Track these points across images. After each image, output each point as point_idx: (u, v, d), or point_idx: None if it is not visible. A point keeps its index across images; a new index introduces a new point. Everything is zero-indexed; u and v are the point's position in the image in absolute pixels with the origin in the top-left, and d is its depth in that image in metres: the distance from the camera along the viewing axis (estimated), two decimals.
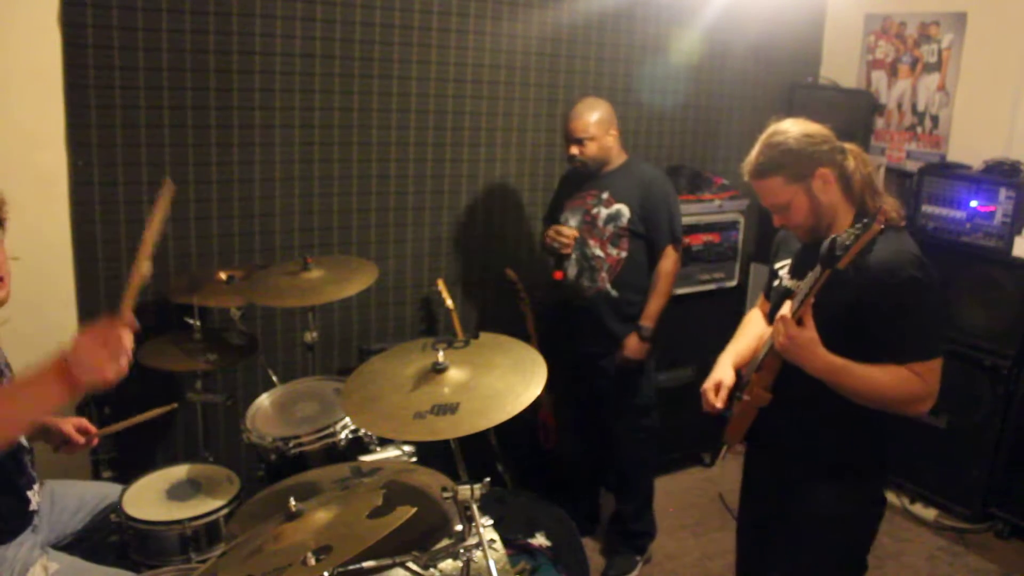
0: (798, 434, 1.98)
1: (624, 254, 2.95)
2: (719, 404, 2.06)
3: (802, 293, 1.76)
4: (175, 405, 2.49)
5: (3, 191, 1.88)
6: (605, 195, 2.96)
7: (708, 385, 2.10)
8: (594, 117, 2.89)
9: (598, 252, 2.95)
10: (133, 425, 2.35)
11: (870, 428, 1.93)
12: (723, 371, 2.11)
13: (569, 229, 3.01)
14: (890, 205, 1.89)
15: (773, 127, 1.91)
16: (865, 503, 2.01)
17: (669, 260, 2.96)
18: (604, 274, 2.96)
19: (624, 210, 2.93)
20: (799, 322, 1.77)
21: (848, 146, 1.92)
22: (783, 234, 2.15)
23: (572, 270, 3.01)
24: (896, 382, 1.76)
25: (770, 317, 2.07)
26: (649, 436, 3.18)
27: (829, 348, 1.76)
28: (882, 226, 1.62)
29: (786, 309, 1.81)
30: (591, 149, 2.90)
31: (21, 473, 1.96)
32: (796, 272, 2.01)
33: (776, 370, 1.94)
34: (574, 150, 2.92)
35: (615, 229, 2.93)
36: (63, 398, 1.47)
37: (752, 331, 2.21)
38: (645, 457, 3.22)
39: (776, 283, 2.09)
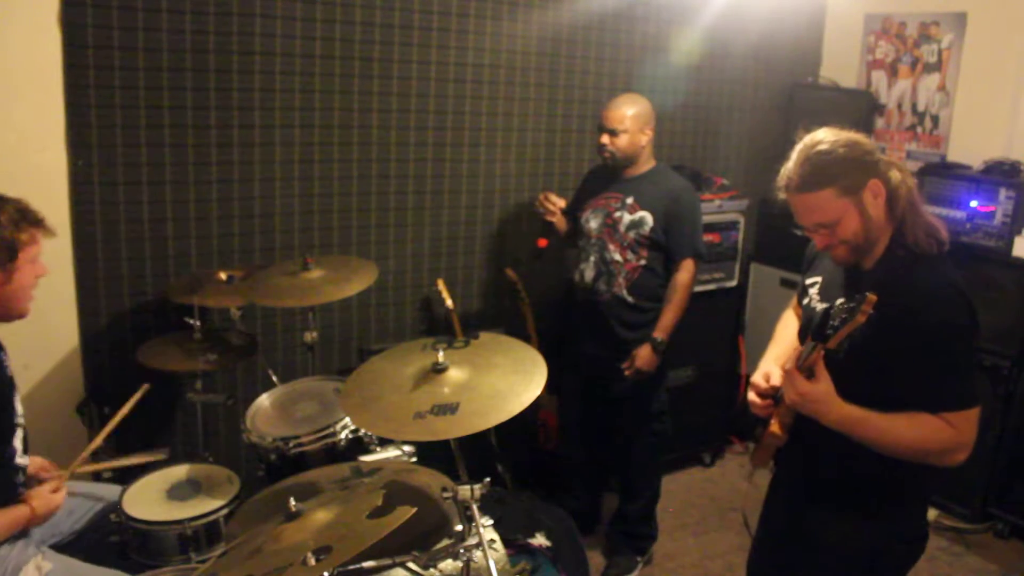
0: (823, 465, 1.84)
1: (643, 262, 2.93)
2: (763, 403, 1.88)
3: (804, 354, 1.64)
4: (162, 456, 2.47)
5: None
6: (630, 200, 2.93)
7: (756, 378, 1.92)
8: (631, 111, 2.86)
9: (617, 257, 2.94)
10: (118, 467, 2.37)
11: (902, 460, 1.75)
12: (769, 366, 1.93)
13: (557, 198, 3.05)
14: (924, 227, 1.70)
15: (811, 136, 1.73)
16: (896, 538, 1.83)
17: (687, 273, 2.92)
18: (621, 280, 2.94)
19: (648, 218, 2.90)
20: (810, 373, 1.63)
21: (891, 158, 1.76)
22: (815, 246, 1.95)
23: (590, 273, 2.99)
24: (924, 433, 1.61)
25: (801, 337, 1.95)
26: (660, 440, 3.18)
27: (852, 390, 1.63)
28: (867, 316, 1.46)
29: (791, 362, 1.69)
30: (622, 142, 2.87)
31: (12, 490, 1.99)
32: (826, 294, 1.86)
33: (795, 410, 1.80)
34: (605, 139, 2.89)
35: (636, 236, 2.91)
36: (20, 526, 1.99)
37: (788, 335, 2.07)
38: (654, 460, 3.22)
39: (806, 301, 1.93)
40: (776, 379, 1.87)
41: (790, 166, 1.72)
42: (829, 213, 1.68)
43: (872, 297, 1.46)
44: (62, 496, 2.08)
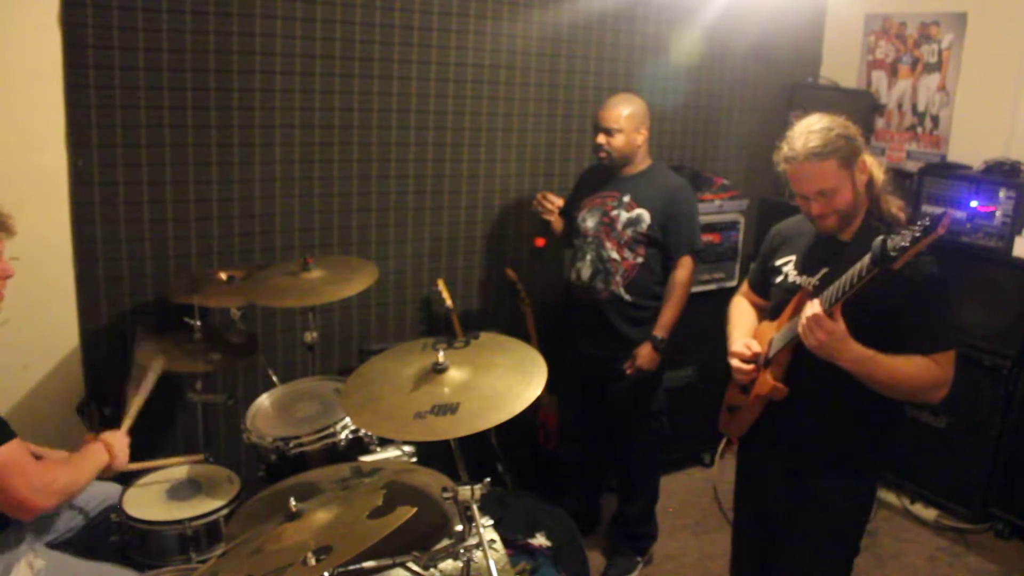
0: (807, 430, 2.00)
1: (640, 260, 2.93)
2: (748, 368, 2.06)
3: (839, 289, 1.78)
4: (202, 457, 2.51)
5: (5, 201, 1.99)
6: (627, 198, 2.94)
7: (737, 348, 2.09)
8: (627, 111, 2.87)
9: (614, 255, 2.94)
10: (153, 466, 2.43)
11: (878, 423, 1.98)
12: (745, 339, 2.11)
13: (556, 197, 3.08)
14: (896, 204, 1.96)
15: (806, 119, 1.93)
16: (866, 496, 2.08)
17: (685, 270, 2.93)
18: (618, 278, 2.94)
19: (645, 216, 2.90)
20: (830, 316, 1.79)
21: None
22: (782, 231, 2.18)
23: (587, 271, 3.00)
24: (920, 371, 1.84)
25: (773, 313, 2.09)
26: (658, 439, 3.18)
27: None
28: (945, 230, 1.64)
29: (816, 307, 1.81)
30: (618, 141, 2.88)
31: None
32: (805, 268, 2.02)
33: (786, 365, 1.96)
34: (601, 139, 2.90)
35: (633, 234, 2.91)
36: (102, 470, 2.10)
37: (747, 318, 2.24)
38: (653, 460, 3.22)
39: (780, 279, 2.09)
40: (756, 347, 2.06)
41: (795, 140, 1.90)
42: (831, 181, 1.88)
43: (952, 212, 1.69)
44: (127, 439, 2.20)
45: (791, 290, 2.02)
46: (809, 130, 1.89)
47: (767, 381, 2.00)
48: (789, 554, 2.10)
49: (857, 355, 1.80)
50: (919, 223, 1.64)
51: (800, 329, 1.84)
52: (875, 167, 1.96)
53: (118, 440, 2.15)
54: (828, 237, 1.99)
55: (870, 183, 1.95)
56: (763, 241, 2.25)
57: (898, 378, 1.83)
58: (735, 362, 2.08)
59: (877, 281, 1.72)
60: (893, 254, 1.65)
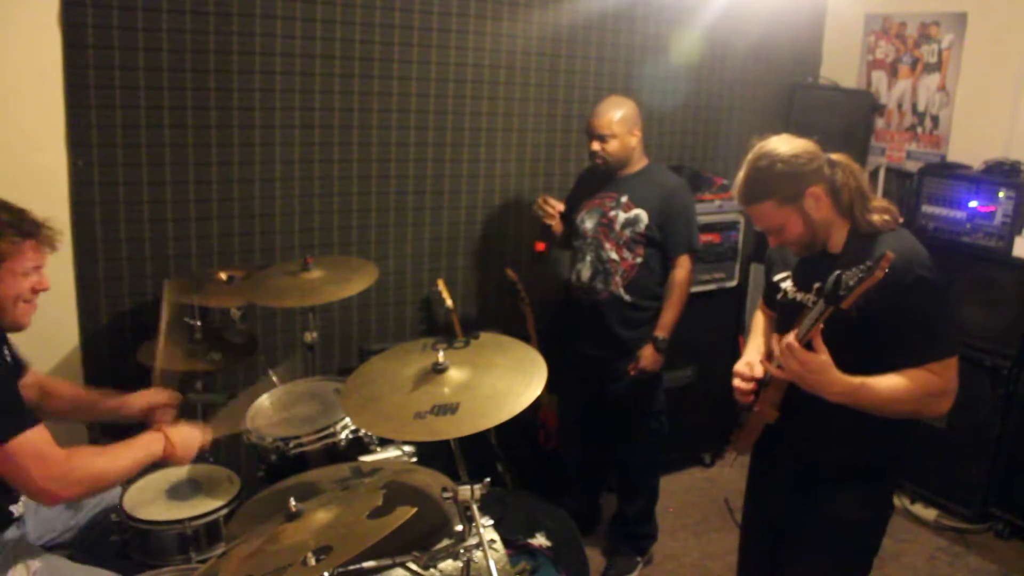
0: (817, 441, 1.96)
1: (639, 260, 2.94)
2: (747, 388, 1.99)
3: (806, 325, 1.73)
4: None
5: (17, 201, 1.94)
6: (624, 199, 2.94)
7: (739, 367, 2.03)
8: (618, 115, 2.87)
9: (613, 256, 2.95)
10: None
11: (888, 432, 1.92)
12: (752, 356, 2.06)
13: (556, 202, 3.08)
14: (882, 207, 1.88)
15: (759, 148, 1.87)
16: (880, 507, 2.01)
17: (684, 270, 2.94)
18: (618, 278, 2.95)
19: (643, 216, 2.91)
20: (808, 346, 1.73)
21: (837, 158, 1.89)
22: (776, 247, 2.12)
23: (586, 272, 3.00)
24: (917, 386, 1.75)
25: (780, 330, 2.02)
26: (658, 440, 3.18)
27: (842, 357, 1.73)
28: (884, 273, 1.59)
29: (790, 336, 1.76)
30: (613, 147, 2.89)
31: (6, 491, 1.94)
32: (801, 284, 1.98)
33: (784, 388, 1.91)
34: (595, 146, 2.90)
35: (632, 234, 2.92)
36: (158, 459, 2.01)
37: (763, 333, 2.20)
38: (653, 460, 3.22)
39: (780, 296, 2.05)
40: (758, 368, 2.00)
41: (739, 178, 1.89)
42: (773, 220, 1.88)
43: (890, 255, 1.60)
44: (205, 436, 2.11)
45: (790, 306, 1.97)
46: (748, 170, 1.85)
47: (763, 401, 1.97)
48: (792, 561, 2.05)
49: (844, 387, 1.73)
50: (864, 265, 1.60)
51: (780, 355, 1.79)
52: (844, 186, 1.85)
53: (181, 433, 2.03)
54: (818, 251, 1.93)
55: (837, 201, 1.86)
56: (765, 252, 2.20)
57: (895, 399, 1.75)
58: (735, 381, 2.03)
59: (839, 314, 1.66)
60: (842, 293, 1.61)
